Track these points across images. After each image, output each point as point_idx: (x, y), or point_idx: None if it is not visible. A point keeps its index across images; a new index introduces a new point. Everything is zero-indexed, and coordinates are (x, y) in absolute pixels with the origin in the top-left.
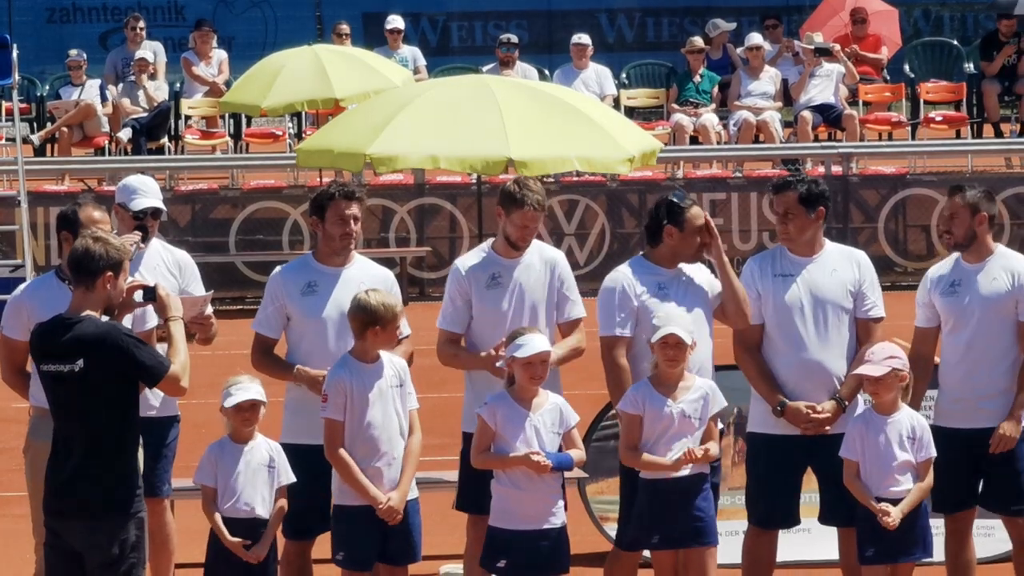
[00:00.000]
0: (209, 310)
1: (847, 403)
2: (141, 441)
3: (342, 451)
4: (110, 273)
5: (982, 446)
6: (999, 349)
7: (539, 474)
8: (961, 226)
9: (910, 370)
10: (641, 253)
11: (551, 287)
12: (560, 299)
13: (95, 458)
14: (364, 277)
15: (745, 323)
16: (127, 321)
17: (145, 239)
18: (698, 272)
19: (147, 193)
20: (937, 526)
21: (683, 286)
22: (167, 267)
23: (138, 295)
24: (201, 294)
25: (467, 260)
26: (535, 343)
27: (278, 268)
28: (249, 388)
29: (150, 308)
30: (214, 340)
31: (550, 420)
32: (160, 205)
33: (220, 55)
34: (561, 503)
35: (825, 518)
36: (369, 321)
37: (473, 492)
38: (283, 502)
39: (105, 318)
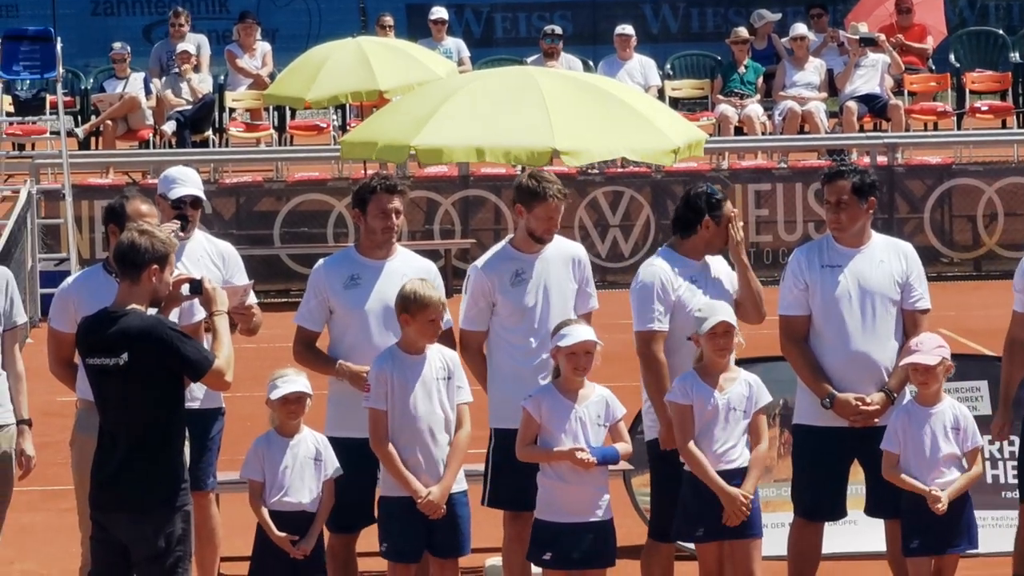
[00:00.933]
0: (252, 300)
1: (896, 395)
2: (187, 434)
3: (386, 443)
4: (155, 266)
5: None
6: None
7: (584, 470)
8: None
9: (1001, 357)
10: (667, 244)
11: (574, 280)
12: (580, 293)
13: (140, 452)
14: (407, 269)
15: (760, 319)
16: (173, 315)
17: (185, 227)
18: (718, 264)
19: (186, 182)
20: (983, 518)
21: (710, 278)
22: (211, 258)
23: (185, 288)
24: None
25: (486, 259)
26: (579, 333)
27: (321, 261)
28: (295, 380)
29: (196, 301)
30: (258, 331)
31: (595, 412)
32: (199, 194)
33: (264, 47)
34: (607, 496)
35: (872, 510)
36: (402, 308)
37: (506, 488)
38: (330, 495)
39: (152, 311)
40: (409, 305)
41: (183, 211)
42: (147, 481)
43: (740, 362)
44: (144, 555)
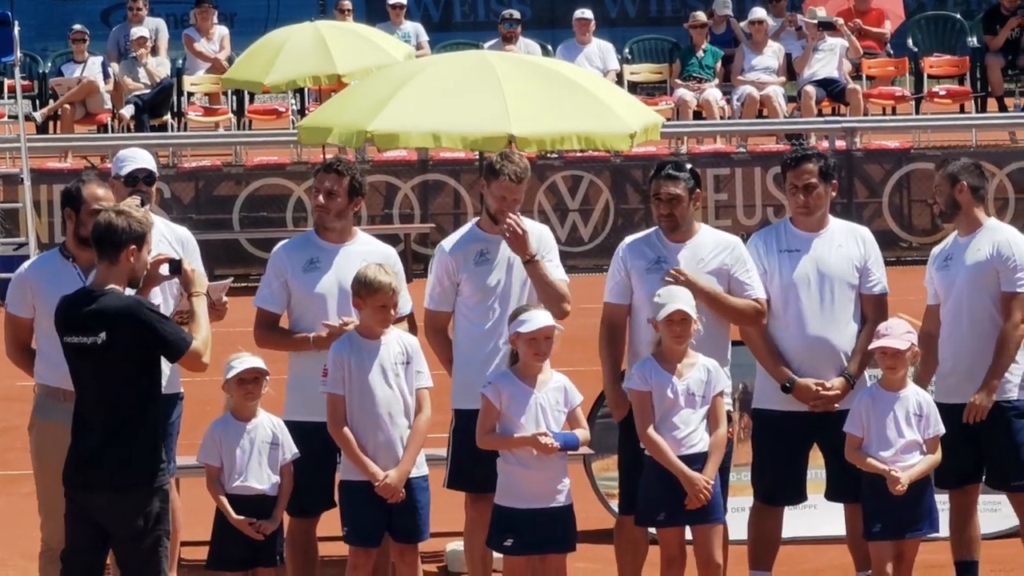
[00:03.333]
0: (224, 297)
1: (855, 380)
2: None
3: (343, 427)
4: (133, 246)
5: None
6: (985, 321)
7: (547, 455)
8: (941, 196)
9: (919, 348)
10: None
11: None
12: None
13: (117, 431)
14: (366, 253)
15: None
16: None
17: (144, 203)
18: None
19: (135, 160)
20: (943, 502)
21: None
22: (169, 244)
23: (164, 269)
24: (204, 278)
25: (452, 239)
26: (538, 319)
27: (280, 244)
28: (251, 359)
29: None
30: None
31: (555, 399)
32: (151, 167)
33: (221, 31)
34: (567, 480)
35: (831, 494)
36: (355, 293)
37: (467, 470)
38: (288, 478)
39: (130, 291)
40: (361, 290)
41: (138, 187)
42: (125, 460)
43: None
44: (123, 535)
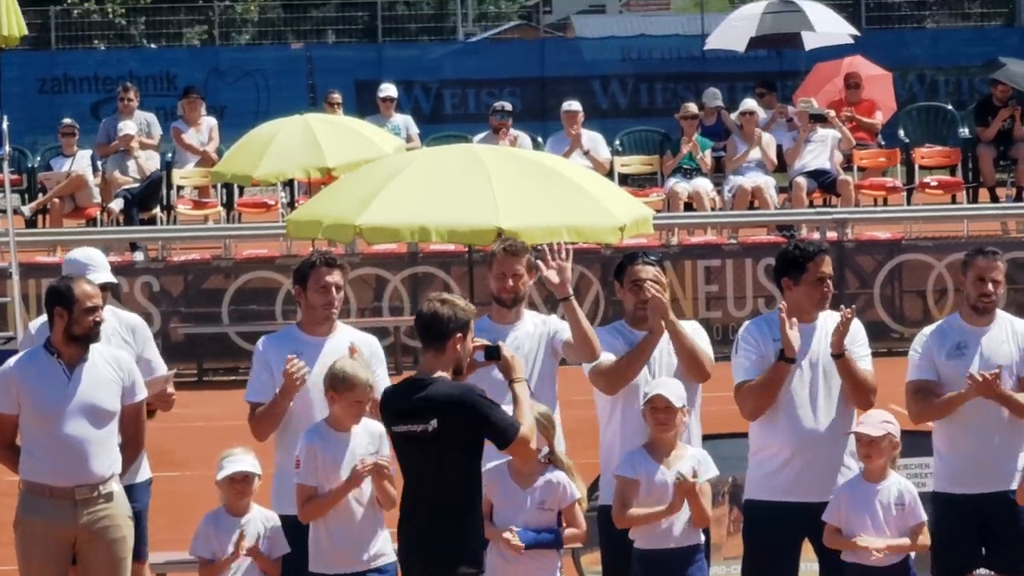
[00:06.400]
0: (171, 388)
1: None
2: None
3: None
4: (460, 334)
5: (988, 509)
6: (1002, 410)
7: (514, 554)
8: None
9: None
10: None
11: (550, 354)
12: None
13: (445, 516)
14: (348, 346)
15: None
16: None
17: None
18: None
19: (97, 268)
20: None
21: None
22: (120, 334)
23: (479, 355)
24: (160, 365)
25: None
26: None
27: (262, 338)
28: (242, 460)
29: (139, 379)
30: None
31: (540, 498)
32: (112, 278)
33: (210, 122)
34: (556, 575)
35: None
36: (329, 386)
37: None
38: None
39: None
40: (336, 384)
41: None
42: (452, 545)
43: None
44: None
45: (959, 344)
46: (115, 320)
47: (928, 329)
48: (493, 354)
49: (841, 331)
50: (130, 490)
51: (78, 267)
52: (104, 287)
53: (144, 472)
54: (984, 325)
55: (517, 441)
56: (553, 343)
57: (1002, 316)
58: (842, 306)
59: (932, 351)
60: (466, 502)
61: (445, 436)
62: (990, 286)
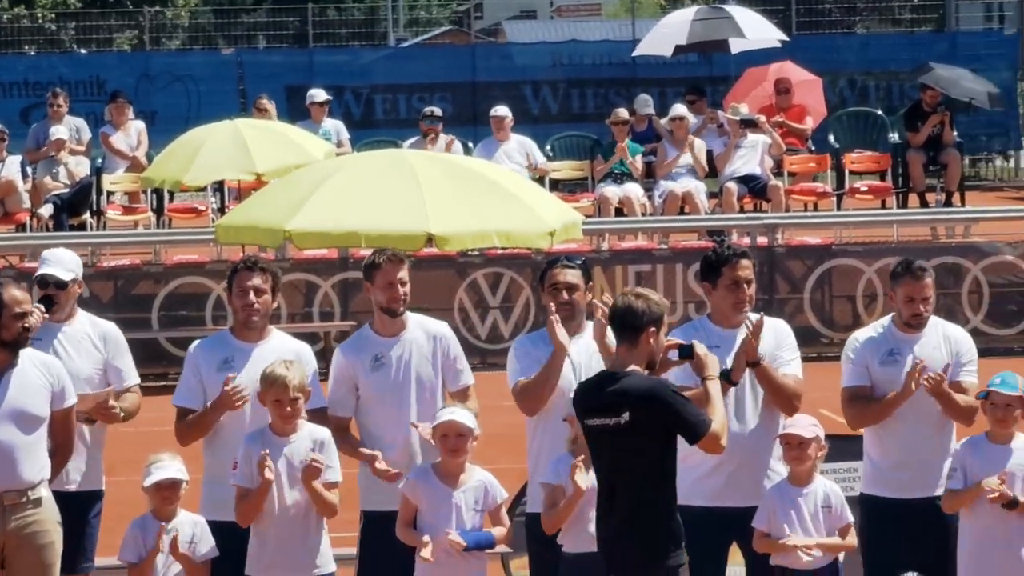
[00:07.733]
0: (134, 399)
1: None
2: (60, 518)
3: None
4: (653, 328)
5: (915, 515)
6: (933, 416)
7: (456, 552)
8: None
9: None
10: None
11: (438, 358)
12: (448, 369)
13: (640, 510)
14: (280, 351)
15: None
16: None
17: (50, 308)
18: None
19: (52, 263)
20: None
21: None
22: (92, 341)
23: (673, 354)
24: (131, 375)
25: (347, 342)
26: (445, 414)
27: (195, 343)
28: (169, 466)
29: (69, 385)
30: (135, 416)
31: (473, 498)
32: (61, 275)
33: (138, 125)
34: None
35: None
36: (261, 388)
37: (376, 570)
38: None
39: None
40: (262, 384)
41: (47, 291)
42: (648, 539)
43: None
44: None
45: (892, 351)
46: (89, 326)
47: (860, 334)
48: (687, 352)
49: (751, 340)
50: (76, 498)
51: (41, 261)
52: (57, 284)
53: (94, 481)
54: (916, 333)
55: (708, 437)
56: (444, 371)
57: (934, 322)
58: (749, 315)
59: (866, 358)
60: (663, 490)
61: (637, 429)
62: (920, 306)
